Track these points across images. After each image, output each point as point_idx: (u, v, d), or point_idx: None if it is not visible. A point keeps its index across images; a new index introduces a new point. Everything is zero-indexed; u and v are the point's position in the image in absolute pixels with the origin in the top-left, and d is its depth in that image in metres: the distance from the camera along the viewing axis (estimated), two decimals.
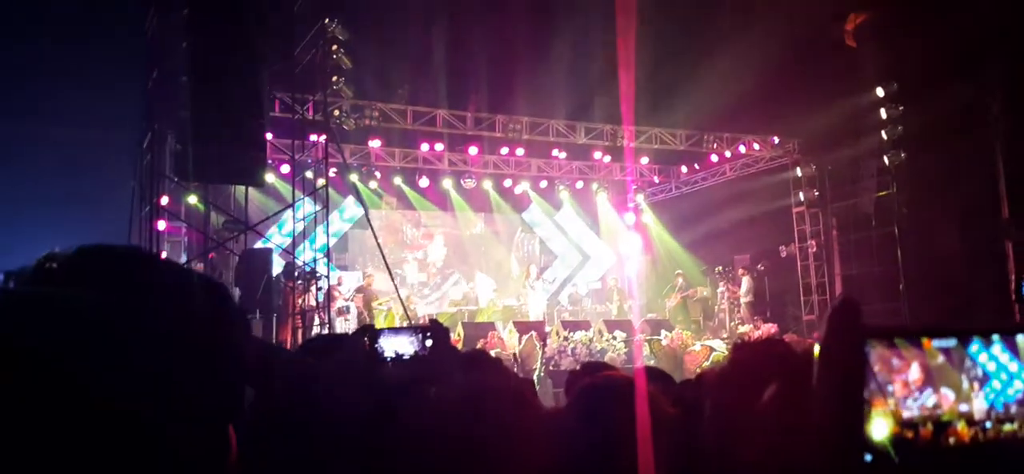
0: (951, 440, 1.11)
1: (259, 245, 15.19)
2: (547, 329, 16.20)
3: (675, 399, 2.63)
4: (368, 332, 3.05)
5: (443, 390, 1.96)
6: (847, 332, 1.15)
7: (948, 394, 1.12)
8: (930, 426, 1.11)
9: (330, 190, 14.51)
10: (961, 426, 1.11)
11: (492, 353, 13.89)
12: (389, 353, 3.14)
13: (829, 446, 1.15)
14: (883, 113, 17.48)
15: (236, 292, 14.25)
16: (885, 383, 1.10)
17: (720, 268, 20.00)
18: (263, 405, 2.06)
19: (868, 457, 1.11)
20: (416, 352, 3.01)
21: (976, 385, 1.12)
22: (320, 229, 14.28)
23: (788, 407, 1.45)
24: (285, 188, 16.94)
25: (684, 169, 22.43)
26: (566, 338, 15.36)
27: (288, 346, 13.42)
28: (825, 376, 1.17)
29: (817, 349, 1.20)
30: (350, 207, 20.68)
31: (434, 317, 15.70)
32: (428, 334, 3.05)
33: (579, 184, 23.06)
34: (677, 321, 18.96)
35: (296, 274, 14.36)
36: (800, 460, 1.31)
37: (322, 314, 13.98)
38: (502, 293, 21.24)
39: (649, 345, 15.88)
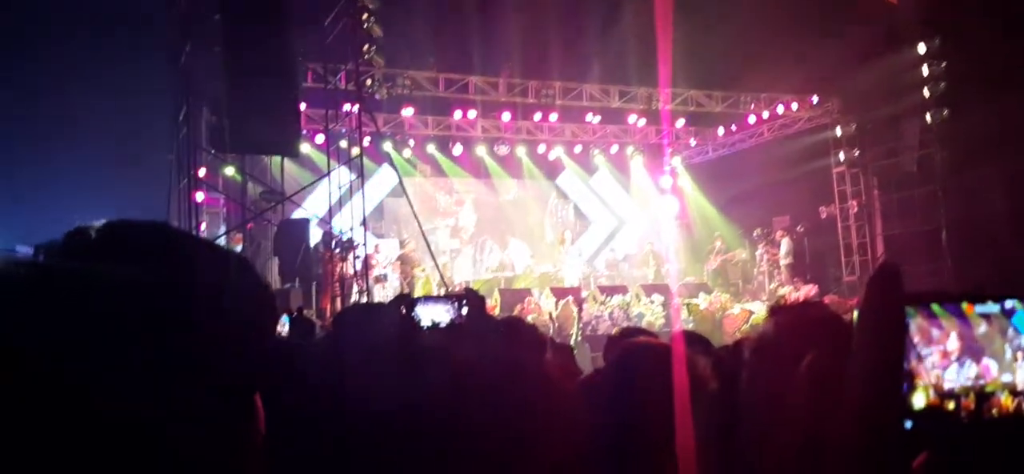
0: (994, 412, 1.08)
1: (296, 215, 15.37)
2: (583, 294, 16.20)
3: (714, 364, 2.61)
4: (404, 301, 3.07)
5: (475, 362, 1.97)
6: (887, 299, 1.12)
7: (991, 364, 1.09)
8: (972, 397, 1.08)
9: (364, 159, 14.57)
10: (1004, 397, 1.08)
11: (529, 319, 13.95)
12: (425, 321, 3.16)
13: (867, 414, 1.13)
14: (925, 70, 17.06)
15: (275, 262, 14.48)
16: (925, 353, 1.08)
17: (759, 230, 19.77)
18: (287, 398, 2.07)
19: (908, 424, 1.09)
20: (452, 320, 3.02)
21: (1020, 355, 1.09)
22: (356, 198, 14.37)
23: (825, 375, 1.43)
24: (320, 158, 17.05)
25: (721, 131, 22.13)
26: (603, 303, 15.36)
27: (328, 314, 13.60)
28: (864, 343, 1.15)
29: (856, 315, 1.18)
30: (385, 175, 20.77)
31: (469, 285, 15.76)
32: (464, 302, 3.06)
33: (614, 148, 22.90)
34: (716, 284, 18.83)
35: (334, 243, 14.50)
36: (838, 428, 1.29)
37: (360, 282, 14.12)
38: (538, 259, 21.24)
39: (687, 308, 15.83)
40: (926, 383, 1.11)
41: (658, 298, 15.75)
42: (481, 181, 22.46)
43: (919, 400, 1.10)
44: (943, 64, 16.86)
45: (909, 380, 1.11)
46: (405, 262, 17.92)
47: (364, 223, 14.16)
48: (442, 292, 14.02)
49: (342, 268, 14.50)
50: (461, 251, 22.43)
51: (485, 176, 22.36)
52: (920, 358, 1.09)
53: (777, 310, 2.08)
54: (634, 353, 2.19)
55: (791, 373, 1.62)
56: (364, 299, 13.86)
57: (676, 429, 1.97)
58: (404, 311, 2.98)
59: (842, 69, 17.31)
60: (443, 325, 3.04)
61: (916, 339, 1.09)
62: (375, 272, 16.91)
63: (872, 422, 1.10)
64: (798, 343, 1.57)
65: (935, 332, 1.09)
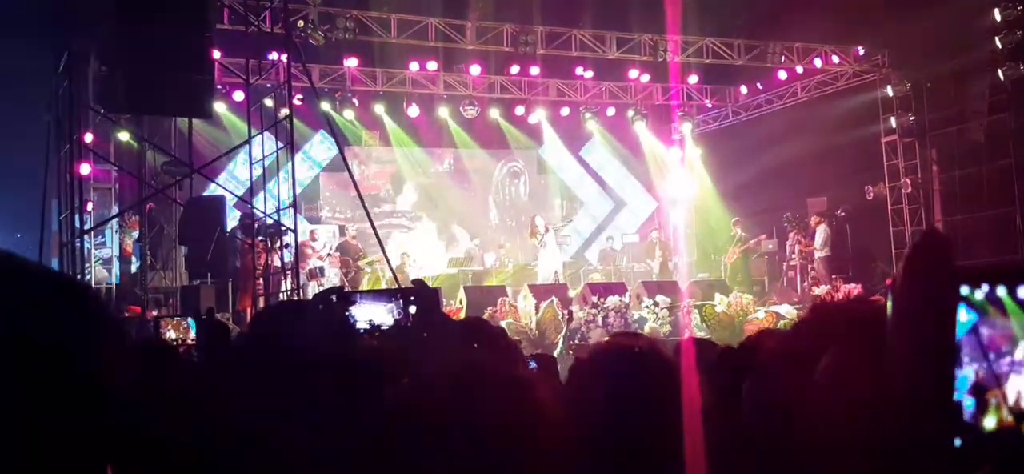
0: None
1: (209, 192, 15.18)
2: (571, 294, 16.19)
3: (714, 365, 2.59)
4: (336, 295, 3.02)
5: (424, 376, 1.91)
6: (933, 277, 1.09)
7: None
8: None
9: (296, 123, 14.44)
10: None
11: (503, 324, 13.93)
12: (362, 323, 3.10)
13: (906, 422, 1.11)
14: (997, 14, 17.18)
15: (182, 251, 14.34)
16: (995, 359, 1.05)
17: (789, 215, 19.89)
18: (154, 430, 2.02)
19: (958, 441, 1.07)
20: (396, 321, 2.98)
21: None
22: (285, 172, 14.25)
23: (848, 379, 1.40)
24: (239, 122, 16.89)
25: (743, 90, 22.19)
26: (596, 305, 15.36)
27: (248, 317, 13.50)
28: (903, 334, 1.12)
29: (890, 300, 1.15)
30: (322, 144, 20.63)
31: (420, 278, 15.72)
32: (411, 299, 3.01)
33: (610, 111, 22.91)
34: (735, 282, 18.92)
35: (256, 228, 14.37)
36: (869, 442, 1.28)
37: (291, 277, 14.03)
38: (512, 250, 21.25)
39: (700, 312, 15.88)
40: (997, 400, 1.08)
41: (664, 300, 15.77)
42: (428, 151, 22.36)
43: (990, 421, 1.07)
44: (1020, 8, 17.00)
45: (978, 394, 1.08)
46: (346, 253, 17.85)
47: (295, 204, 14.04)
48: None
49: (267, 260, 14.37)
50: (419, 236, 22.39)
51: (451, 144, 22.32)
52: (989, 365, 1.06)
53: (818, 309, 2.06)
54: (594, 358, 2.17)
55: (805, 379, 1.60)
56: (297, 298, 13.78)
57: (686, 452, 1.96)
58: (335, 310, 2.92)
59: (894, 13, 17.40)
60: (385, 328, 2.99)
61: (985, 339, 1.06)
62: (309, 265, 16.82)
63: (912, 428, 1.07)
64: (821, 343, 1.54)
65: (1003, 327, 1.06)
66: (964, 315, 1.05)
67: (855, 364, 1.41)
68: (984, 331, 1.06)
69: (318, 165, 21.13)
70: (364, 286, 17.03)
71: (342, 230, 19.00)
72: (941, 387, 1.05)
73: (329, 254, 17.57)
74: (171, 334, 8.34)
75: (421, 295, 2.98)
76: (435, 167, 22.90)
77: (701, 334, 14.40)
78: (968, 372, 1.06)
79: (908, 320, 1.10)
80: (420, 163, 22.59)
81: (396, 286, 14.28)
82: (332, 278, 17.17)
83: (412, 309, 3.01)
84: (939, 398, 1.05)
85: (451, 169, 23.18)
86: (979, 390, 1.06)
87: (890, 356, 1.11)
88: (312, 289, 16.07)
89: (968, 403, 1.05)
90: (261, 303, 14.01)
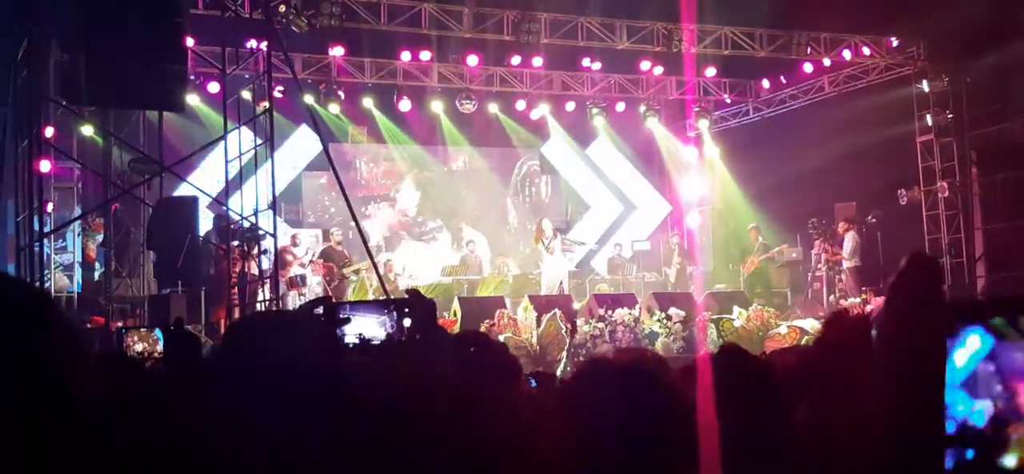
0: None
1: (180, 193, 15.19)
2: (576, 306, 16.20)
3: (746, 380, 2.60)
4: (323, 308, 3.05)
5: (417, 397, 1.95)
6: (922, 300, 1.11)
7: None
8: None
9: (276, 117, 14.47)
10: None
11: (501, 339, 13.94)
12: (351, 337, 3.13)
13: (892, 454, 1.12)
14: None
15: (151, 256, 14.36)
16: (1013, 395, 1.06)
17: (815, 221, 19.91)
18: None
19: (949, 464, 1.08)
20: (389, 335, 3.01)
21: None
22: (264, 170, 14.26)
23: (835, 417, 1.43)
24: (214, 115, 16.91)
25: (766, 83, 22.20)
26: (603, 318, 15.38)
27: (223, 328, 13.52)
28: (888, 362, 1.14)
29: (874, 333, 1.17)
30: (304, 140, 20.62)
31: (415, 288, 15.72)
32: (405, 310, 3.05)
33: (620, 106, 22.94)
34: (755, 294, 18.92)
35: (231, 232, 14.40)
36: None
37: (269, 286, 14.05)
38: (511, 257, 21.27)
39: (717, 327, 15.88)
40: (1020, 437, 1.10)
41: (677, 313, 15.79)
42: (428, 149, 22.43)
43: (1011, 459, 1.09)
44: None
45: (997, 429, 1.10)
46: (331, 259, 17.86)
47: (274, 206, 14.06)
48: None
49: (243, 267, 14.40)
50: (411, 243, 22.42)
51: (442, 141, 22.35)
52: (1009, 403, 1.07)
53: (834, 320, 2.10)
54: (580, 377, 2.21)
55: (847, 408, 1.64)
56: (275, 309, 13.79)
57: None
58: (321, 323, 2.96)
59: (931, 0, 17.42)
60: (376, 342, 3.02)
61: (1005, 368, 1.08)
62: (289, 273, 16.84)
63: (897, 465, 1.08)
64: (841, 360, 1.58)
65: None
66: (977, 342, 1.07)
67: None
68: (1003, 359, 1.07)
69: (300, 163, 21.13)
70: (350, 296, 17.05)
71: (326, 235, 19.02)
72: (928, 423, 1.06)
73: (312, 261, 17.59)
74: (138, 346, 8.37)
75: (416, 307, 3.01)
76: (448, 165, 22.97)
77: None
78: (985, 404, 1.07)
79: (892, 352, 1.12)
80: (429, 161, 22.67)
81: (386, 296, 14.31)
82: (314, 287, 17.18)
83: (406, 322, 3.05)
84: (926, 434, 1.06)
85: (465, 168, 23.25)
86: (999, 424, 1.07)
87: (874, 387, 1.13)
88: (293, 299, 16.10)
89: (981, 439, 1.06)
90: (237, 314, 14.03)
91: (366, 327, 3.17)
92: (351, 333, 3.16)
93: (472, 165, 23.32)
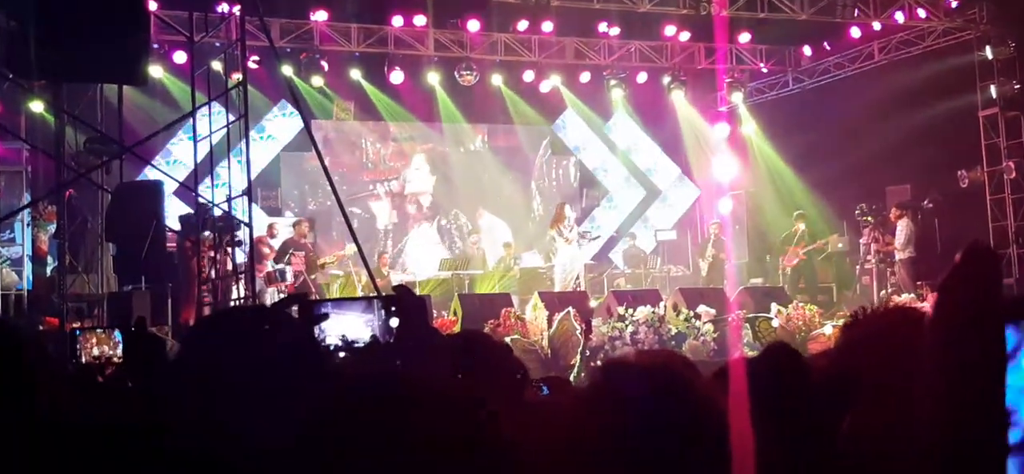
0: None
1: (143, 177, 15.18)
2: (592, 304, 16.17)
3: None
4: (298, 306, 3.00)
5: (408, 411, 1.91)
6: (978, 294, 1.09)
7: None
8: None
9: (251, 91, 14.44)
10: None
11: (508, 341, 13.90)
12: (332, 338, 3.09)
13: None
14: None
15: (110, 250, 14.34)
16: None
17: (863, 206, 19.83)
18: None
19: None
20: (374, 337, 2.97)
21: None
22: (236, 152, 14.25)
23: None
24: (181, 89, 16.88)
25: (807, 51, 22.15)
26: (622, 317, 15.33)
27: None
28: (943, 360, 1.12)
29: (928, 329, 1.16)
30: (283, 117, 20.62)
31: (403, 284, 15.71)
32: (393, 308, 3.00)
33: (642, 77, 22.89)
34: (797, 290, 18.87)
35: (201, 221, 14.39)
36: None
37: (244, 281, 14.05)
38: (519, 247, 21.24)
39: (752, 328, 15.83)
40: None
41: (708, 311, 15.72)
42: (433, 125, 22.45)
43: None
44: None
45: None
46: (296, 248, 17.81)
47: (250, 191, 14.04)
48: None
49: (215, 261, 14.39)
50: (408, 233, 22.46)
51: (439, 118, 22.34)
52: None
53: (856, 324, 2.07)
54: (605, 380, 2.16)
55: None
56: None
57: None
58: (298, 322, 2.91)
59: None
60: (360, 345, 2.98)
61: None
62: (268, 267, 16.84)
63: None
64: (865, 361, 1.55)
65: None
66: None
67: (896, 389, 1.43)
68: None
69: (278, 144, 21.13)
70: (332, 294, 17.06)
71: (309, 224, 18.87)
72: (988, 431, 1.06)
73: (291, 254, 17.56)
74: (94, 350, 8.33)
75: (407, 304, 2.96)
76: (465, 146, 23.01)
77: (753, 354, 14.36)
78: None
79: (946, 355, 1.11)
80: (443, 140, 22.75)
81: (376, 292, 14.28)
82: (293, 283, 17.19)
83: (393, 322, 3.00)
84: (986, 443, 1.06)
85: (485, 147, 23.28)
86: None
87: (928, 393, 1.12)
88: (271, 297, 16.09)
89: None
90: (207, 313, 14.01)
91: (350, 327, 3.13)
92: (332, 334, 3.12)
93: (495, 145, 23.34)
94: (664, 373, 2.11)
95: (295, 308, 2.99)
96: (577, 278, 18.29)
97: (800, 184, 21.86)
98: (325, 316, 3.00)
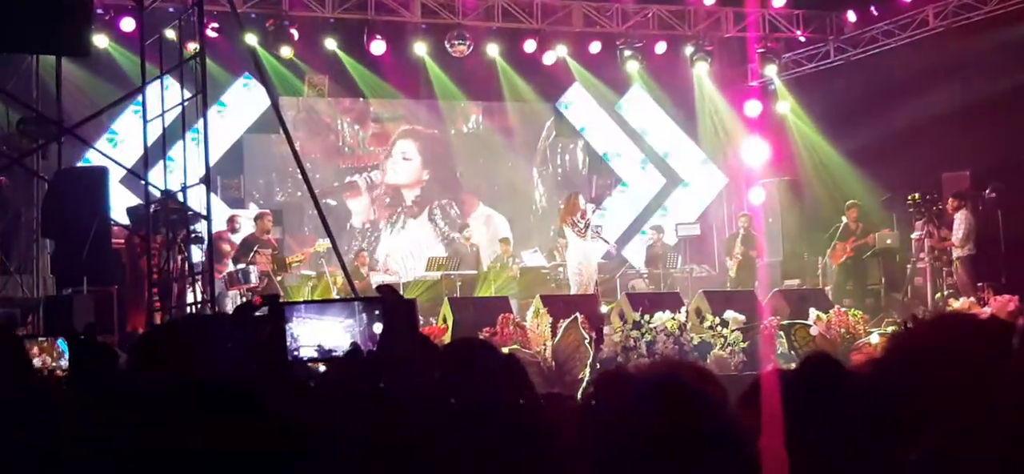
0: None
1: (85, 163, 15.16)
2: (604, 309, 16.15)
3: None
4: (268, 309, 3.02)
5: (392, 434, 1.92)
6: None
7: None
8: None
9: (210, 64, 14.43)
10: None
11: (505, 352, 13.90)
12: (307, 348, 3.09)
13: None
14: None
15: (48, 247, 14.33)
16: None
17: (915, 197, 19.80)
18: None
19: None
20: (354, 345, 2.97)
21: None
22: (193, 133, 14.24)
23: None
24: (130, 61, 16.86)
25: (851, 17, 22.13)
26: (639, 324, 15.32)
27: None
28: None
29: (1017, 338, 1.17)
30: (247, 94, 20.60)
31: (388, 284, 15.72)
32: (376, 311, 3.01)
33: (660, 47, 22.89)
34: (843, 292, 18.86)
35: (152, 214, 14.39)
36: None
37: (202, 283, 14.03)
38: (519, 243, 21.23)
39: (787, 336, 15.82)
40: None
41: (736, 317, 15.71)
42: (421, 102, 22.44)
43: None
44: None
45: None
46: (258, 244, 17.78)
47: (208, 179, 14.03)
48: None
49: (168, 259, 14.38)
50: (391, 228, 22.45)
51: (427, 95, 22.33)
52: None
53: (907, 334, 2.09)
54: (605, 392, 2.17)
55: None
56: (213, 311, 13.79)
57: None
58: (264, 328, 2.93)
59: None
60: (339, 353, 2.99)
61: None
62: (228, 266, 16.82)
63: None
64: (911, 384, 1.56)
65: None
66: None
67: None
68: None
69: (241, 124, 21.11)
70: (303, 296, 17.06)
71: (269, 217, 18.76)
72: None
73: (255, 251, 17.52)
74: (37, 361, 8.35)
75: (392, 306, 2.97)
76: (457, 127, 23.05)
77: (791, 367, 14.34)
78: None
79: None
80: (431, 121, 22.79)
81: (354, 294, 14.28)
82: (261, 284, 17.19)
83: (377, 327, 3.01)
84: None
85: (480, 129, 23.30)
86: None
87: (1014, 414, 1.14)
88: (233, 301, 16.07)
89: None
90: (159, 320, 14.00)
91: (327, 334, 3.13)
92: (306, 341, 3.12)
93: (491, 126, 23.38)
94: (671, 386, 2.10)
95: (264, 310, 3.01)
96: (593, 279, 18.18)
97: (844, 168, 21.82)
98: (280, 316, 3.01)
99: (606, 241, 20.41)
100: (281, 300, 3.14)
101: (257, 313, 3.02)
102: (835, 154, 22.23)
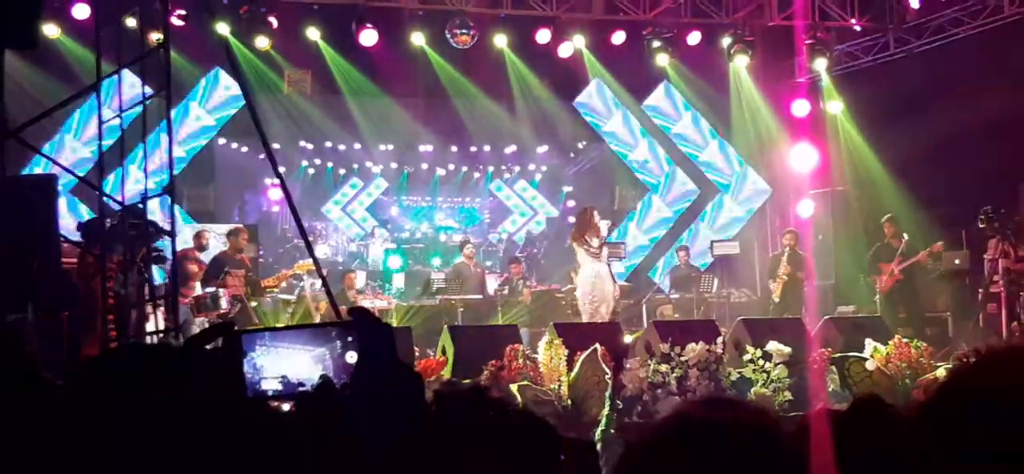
0: None
1: (31, 170, 15.16)
2: (627, 339, 16.11)
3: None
4: (223, 339, 2.97)
5: None
6: None
7: None
8: None
9: (176, 57, 14.45)
10: None
11: (514, 390, 13.86)
12: (270, 382, 3.05)
13: None
14: None
15: None
16: None
17: (988, 211, 19.77)
18: None
19: None
20: (325, 378, 2.93)
21: None
22: (157, 136, 14.25)
23: None
24: (83, 54, 16.90)
25: (914, 2, 22.13)
26: (668, 357, 15.29)
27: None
28: None
29: None
30: (216, 91, 20.65)
31: (360, 306, 15.81)
32: (349, 337, 2.97)
33: (694, 38, 22.91)
34: (898, 320, 18.81)
35: (109, 229, 14.40)
36: None
37: (164, 309, 14.04)
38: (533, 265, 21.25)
39: (840, 371, 15.79)
40: None
41: (781, 349, 15.68)
42: (417, 100, 22.49)
43: None
44: None
45: None
46: (249, 269, 17.83)
47: (173, 189, 14.03)
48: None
49: (125, 281, 14.38)
50: (383, 245, 22.53)
51: (434, 93, 22.41)
52: None
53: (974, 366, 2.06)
54: (668, 441, 2.12)
55: None
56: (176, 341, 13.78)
57: None
58: (221, 360, 2.88)
59: None
60: (307, 387, 2.95)
61: None
62: (196, 289, 16.84)
63: None
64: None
65: None
66: None
67: None
68: None
69: (211, 125, 21.16)
70: (279, 321, 17.09)
71: (239, 234, 18.74)
72: None
73: (226, 272, 17.55)
74: None
75: (370, 333, 2.92)
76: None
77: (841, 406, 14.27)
78: None
79: None
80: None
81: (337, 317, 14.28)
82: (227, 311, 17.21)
83: (351, 356, 2.96)
84: None
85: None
86: None
87: None
88: (199, 328, 16.07)
89: None
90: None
91: (293, 365, 3.09)
92: (271, 375, 3.08)
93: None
94: (756, 432, 2.07)
95: (219, 341, 2.96)
96: (611, 305, 18.09)
97: (902, 178, 21.77)
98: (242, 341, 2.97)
99: (621, 258, 20.33)
100: (248, 327, 3.10)
101: (209, 345, 2.97)
102: (892, 160, 22.19)
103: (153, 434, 2.17)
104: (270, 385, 3.06)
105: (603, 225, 18.08)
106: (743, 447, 2.12)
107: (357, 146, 27.06)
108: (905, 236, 20.32)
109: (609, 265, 18.51)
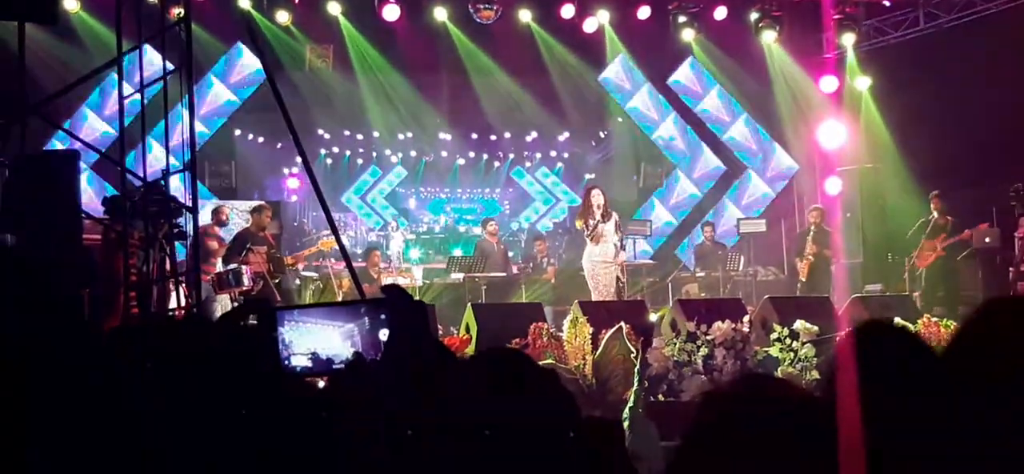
0: None
1: (52, 146, 15.22)
2: (652, 317, 16.09)
3: None
4: (256, 315, 3.01)
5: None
6: None
7: None
8: None
9: (197, 31, 14.46)
10: None
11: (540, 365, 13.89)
12: (300, 358, 3.07)
13: None
14: None
15: (7, 240, 14.40)
16: None
17: (1019, 188, 19.71)
18: None
19: None
20: (357, 354, 2.95)
21: None
22: (176, 114, 14.28)
23: None
24: (103, 31, 16.94)
25: None
26: (694, 336, 15.29)
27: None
28: None
29: None
30: (239, 66, 20.67)
31: (395, 283, 15.73)
32: (381, 315, 3.00)
33: (720, 13, 22.86)
34: (934, 300, 18.77)
35: (130, 206, 14.43)
36: None
37: (186, 285, 14.08)
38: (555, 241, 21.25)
39: None
40: None
41: (808, 328, 15.67)
42: (440, 76, 22.48)
43: None
44: None
45: None
46: (272, 246, 17.86)
47: (194, 165, 14.06)
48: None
49: (148, 258, 14.42)
50: (407, 223, 22.51)
51: (455, 71, 22.38)
52: None
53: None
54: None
55: None
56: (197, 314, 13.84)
57: None
58: (254, 336, 2.92)
59: None
60: (339, 363, 2.97)
61: None
62: (217, 266, 16.87)
63: None
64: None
65: None
66: None
67: None
68: None
69: (234, 100, 21.18)
70: (303, 298, 17.12)
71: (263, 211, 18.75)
72: None
73: (248, 250, 17.57)
74: None
75: (400, 309, 2.94)
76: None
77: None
78: None
79: None
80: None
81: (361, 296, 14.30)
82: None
83: (383, 333, 2.99)
84: None
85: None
86: None
87: None
88: (221, 306, 16.10)
89: None
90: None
91: (324, 342, 3.12)
92: (300, 350, 3.12)
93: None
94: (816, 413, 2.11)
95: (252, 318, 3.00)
96: (617, 284, 17.97)
97: (934, 158, 21.67)
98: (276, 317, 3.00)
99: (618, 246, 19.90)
100: (270, 305, 3.13)
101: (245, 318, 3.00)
102: (922, 140, 22.07)
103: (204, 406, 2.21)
104: (299, 361, 3.08)
105: (597, 208, 17.78)
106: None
107: (376, 134, 27.08)
108: (938, 214, 20.22)
109: (616, 246, 18.29)
